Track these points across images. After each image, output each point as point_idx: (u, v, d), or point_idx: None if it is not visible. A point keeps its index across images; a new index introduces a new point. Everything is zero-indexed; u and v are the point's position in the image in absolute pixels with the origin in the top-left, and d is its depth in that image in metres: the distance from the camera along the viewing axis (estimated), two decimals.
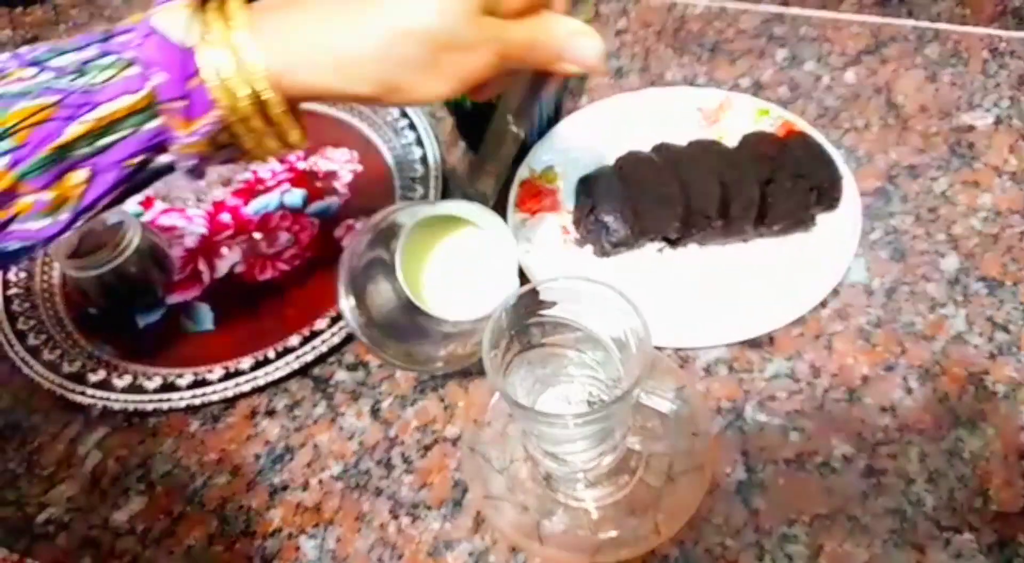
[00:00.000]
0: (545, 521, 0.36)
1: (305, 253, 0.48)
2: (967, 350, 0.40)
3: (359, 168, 0.52)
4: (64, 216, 0.26)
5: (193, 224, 0.51)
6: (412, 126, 0.52)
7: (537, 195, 0.48)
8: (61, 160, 0.25)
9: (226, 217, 0.51)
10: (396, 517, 0.38)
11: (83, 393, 0.42)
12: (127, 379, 0.43)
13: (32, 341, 0.45)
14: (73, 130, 0.25)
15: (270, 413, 0.42)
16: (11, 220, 0.25)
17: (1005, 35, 0.54)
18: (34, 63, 0.25)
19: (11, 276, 0.49)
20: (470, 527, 0.37)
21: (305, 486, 0.39)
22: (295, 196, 0.52)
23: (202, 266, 0.49)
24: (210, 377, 0.42)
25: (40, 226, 0.26)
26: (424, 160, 0.50)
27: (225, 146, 0.27)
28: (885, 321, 0.41)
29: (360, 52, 0.25)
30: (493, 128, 0.36)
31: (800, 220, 0.44)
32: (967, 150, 0.48)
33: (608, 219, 0.44)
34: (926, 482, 0.36)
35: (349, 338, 0.44)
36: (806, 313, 0.41)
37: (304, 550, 0.37)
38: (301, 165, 0.53)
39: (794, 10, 0.58)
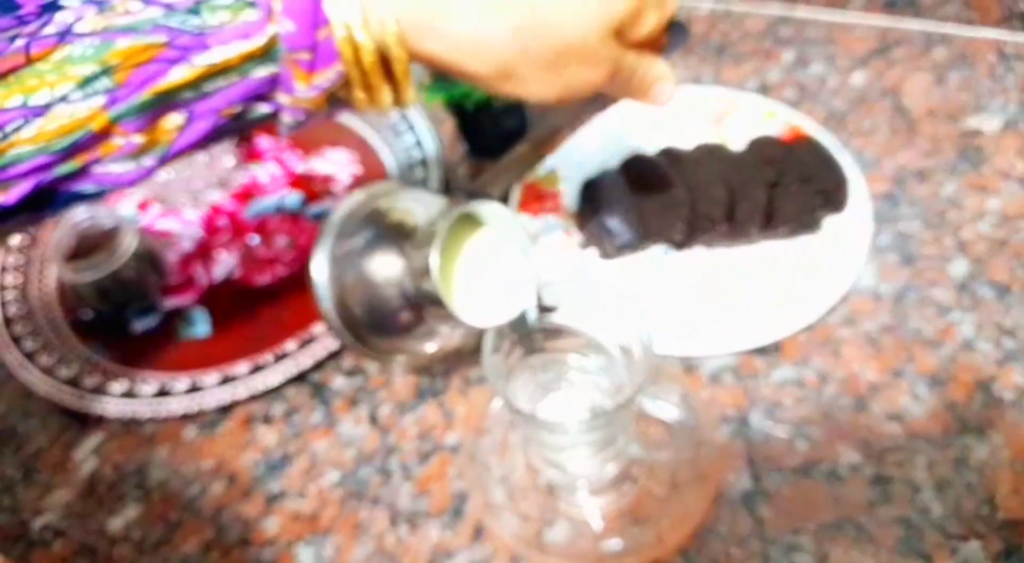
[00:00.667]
0: (546, 530, 0.36)
1: (303, 257, 0.48)
2: (975, 357, 0.39)
3: (358, 170, 0.52)
4: (149, 162, 0.24)
5: (190, 228, 0.50)
6: (412, 128, 0.52)
7: (540, 198, 0.47)
8: (160, 104, 0.23)
9: (223, 221, 0.51)
10: (395, 526, 0.37)
11: (79, 398, 0.42)
12: (123, 384, 0.43)
13: (28, 346, 0.45)
14: (179, 73, 0.23)
15: (267, 420, 0.42)
16: (95, 162, 0.23)
17: (1012, 38, 0.53)
18: None
19: (8, 280, 0.49)
20: (470, 536, 0.36)
21: (302, 494, 0.39)
22: (294, 199, 0.51)
23: (199, 270, 0.48)
24: (207, 383, 0.42)
25: (122, 170, 0.24)
26: (424, 162, 0.50)
27: (336, 100, 0.25)
28: (893, 327, 0.41)
29: (494, 36, 0.24)
30: (532, 138, 0.36)
31: (806, 223, 0.44)
32: (975, 154, 0.48)
33: (613, 222, 0.43)
34: (933, 490, 0.35)
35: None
36: (813, 319, 0.41)
37: (301, 559, 0.37)
38: (299, 168, 0.53)
39: (801, 12, 0.57)
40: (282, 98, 0.25)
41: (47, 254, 0.45)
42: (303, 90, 0.24)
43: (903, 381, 0.39)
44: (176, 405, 0.41)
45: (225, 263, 0.48)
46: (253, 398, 0.42)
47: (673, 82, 0.29)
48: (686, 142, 0.46)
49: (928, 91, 0.51)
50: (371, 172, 0.52)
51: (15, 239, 0.50)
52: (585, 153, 0.48)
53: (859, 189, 0.45)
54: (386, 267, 0.32)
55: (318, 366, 0.43)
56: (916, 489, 0.35)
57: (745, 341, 0.40)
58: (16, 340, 0.45)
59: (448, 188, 0.50)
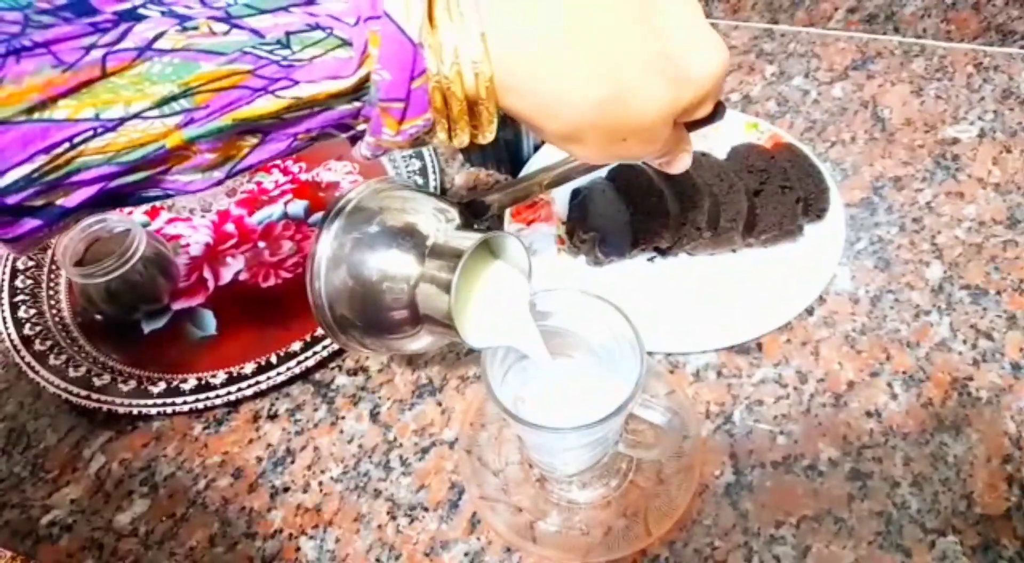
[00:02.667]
0: (539, 522, 0.37)
1: (307, 260, 0.50)
2: (951, 357, 0.41)
3: (360, 180, 0.54)
4: (218, 174, 0.24)
5: (198, 233, 0.52)
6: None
7: (532, 206, 0.49)
8: (238, 128, 0.22)
9: (230, 226, 0.52)
10: (394, 518, 0.38)
11: (88, 397, 0.43)
12: (132, 384, 0.44)
13: (38, 346, 0.46)
14: (262, 104, 0.22)
15: (272, 417, 0.43)
16: (163, 173, 0.23)
17: (989, 50, 0.55)
18: (228, 18, 0.22)
19: (18, 282, 0.50)
20: (466, 528, 0.38)
21: (306, 488, 0.40)
22: (298, 206, 0.53)
23: (207, 273, 0.50)
24: (213, 381, 0.43)
25: (189, 180, 0.23)
26: (423, 172, 0.52)
27: (417, 140, 0.25)
28: (870, 328, 0.42)
29: (579, 105, 0.24)
30: (547, 175, 0.36)
31: (788, 231, 0.45)
32: (951, 162, 0.49)
33: (601, 230, 0.45)
34: (911, 485, 0.37)
35: (364, 353, 0.44)
36: (793, 320, 0.42)
37: (304, 550, 0.38)
38: (304, 176, 0.55)
39: (783, 27, 0.59)
40: (368, 138, 0.25)
41: (58, 257, 0.46)
42: (390, 135, 0.24)
43: (880, 380, 0.40)
44: (183, 403, 0.42)
45: (232, 267, 0.50)
46: (258, 396, 0.43)
47: (691, 154, 0.31)
48: None
49: (906, 102, 0.53)
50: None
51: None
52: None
53: (838, 196, 0.46)
54: (391, 266, 0.31)
55: (321, 365, 0.44)
56: (894, 484, 0.37)
57: (728, 339, 0.42)
58: (27, 341, 0.46)
59: (444, 195, 0.51)
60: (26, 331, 0.47)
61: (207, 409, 0.43)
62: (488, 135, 0.25)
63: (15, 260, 0.51)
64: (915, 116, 0.52)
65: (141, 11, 0.21)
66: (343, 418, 0.43)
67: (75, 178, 0.21)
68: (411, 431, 0.42)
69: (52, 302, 0.49)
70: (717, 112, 0.29)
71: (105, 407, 0.43)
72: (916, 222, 0.47)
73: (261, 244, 0.51)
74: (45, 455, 0.43)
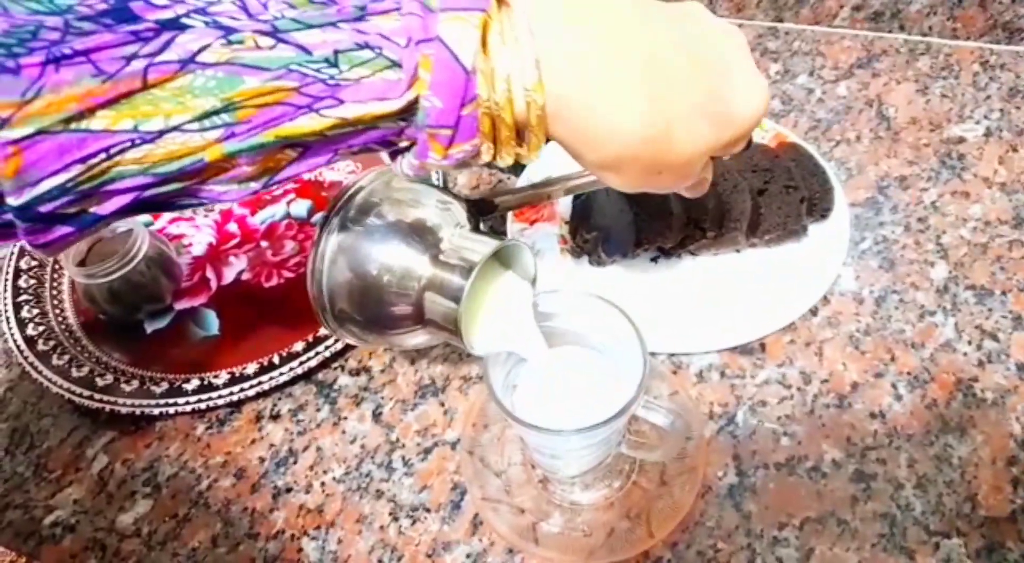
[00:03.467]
0: (541, 523, 0.37)
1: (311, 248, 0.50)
2: (956, 357, 0.41)
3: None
4: (255, 185, 0.23)
5: (201, 233, 0.52)
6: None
7: (534, 206, 0.49)
8: (279, 144, 0.22)
9: (233, 226, 0.52)
10: (396, 519, 0.38)
11: (91, 397, 0.43)
12: (134, 384, 0.44)
13: (41, 347, 0.46)
14: (306, 122, 0.21)
15: (274, 417, 0.43)
16: (200, 183, 0.22)
17: (996, 48, 0.55)
18: (274, 32, 0.21)
19: (21, 283, 0.50)
20: (468, 529, 0.38)
21: (308, 488, 0.40)
22: (300, 206, 0.53)
23: (210, 273, 0.50)
24: (216, 382, 0.43)
25: (225, 190, 0.23)
26: None
27: (462, 163, 0.25)
28: (875, 329, 0.42)
29: (624, 141, 0.24)
30: (563, 183, 0.36)
31: (792, 231, 0.45)
32: (957, 161, 0.49)
33: (605, 230, 0.45)
34: (915, 487, 0.36)
35: (352, 344, 0.45)
36: (797, 321, 0.42)
37: (306, 551, 0.38)
38: (307, 176, 0.54)
39: (787, 25, 0.59)
40: (412, 160, 0.24)
41: (61, 258, 0.46)
42: (437, 159, 0.23)
43: (885, 381, 0.40)
44: (186, 404, 0.42)
45: (235, 267, 0.50)
46: (261, 396, 0.43)
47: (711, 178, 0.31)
48: None
49: (912, 101, 0.53)
50: None
51: None
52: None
53: (842, 196, 0.46)
54: (400, 264, 0.30)
55: (324, 365, 0.44)
56: (898, 486, 0.36)
57: (731, 339, 0.41)
58: (30, 341, 0.47)
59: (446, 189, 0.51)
60: (29, 331, 0.47)
61: (210, 409, 0.43)
62: (534, 158, 0.25)
63: (18, 260, 0.51)
64: (920, 115, 0.52)
65: (184, 21, 0.20)
66: (345, 418, 0.43)
67: (110, 187, 0.21)
68: (413, 432, 0.42)
69: (55, 302, 0.49)
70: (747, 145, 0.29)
71: (108, 407, 0.43)
72: (921, 222, 0.46)
73: (264, 244, 0.51)
74: (48, 455, 0.44)
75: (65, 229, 0.21)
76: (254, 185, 0.23)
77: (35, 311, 0.49)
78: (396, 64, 0.21)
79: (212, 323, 0.48)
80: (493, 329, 0.32)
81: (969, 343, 0.41)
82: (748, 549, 0.35)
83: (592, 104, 0.23)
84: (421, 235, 0.31)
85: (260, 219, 0.52)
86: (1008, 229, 0.45)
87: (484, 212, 0.35)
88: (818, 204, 0.45)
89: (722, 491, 0.37)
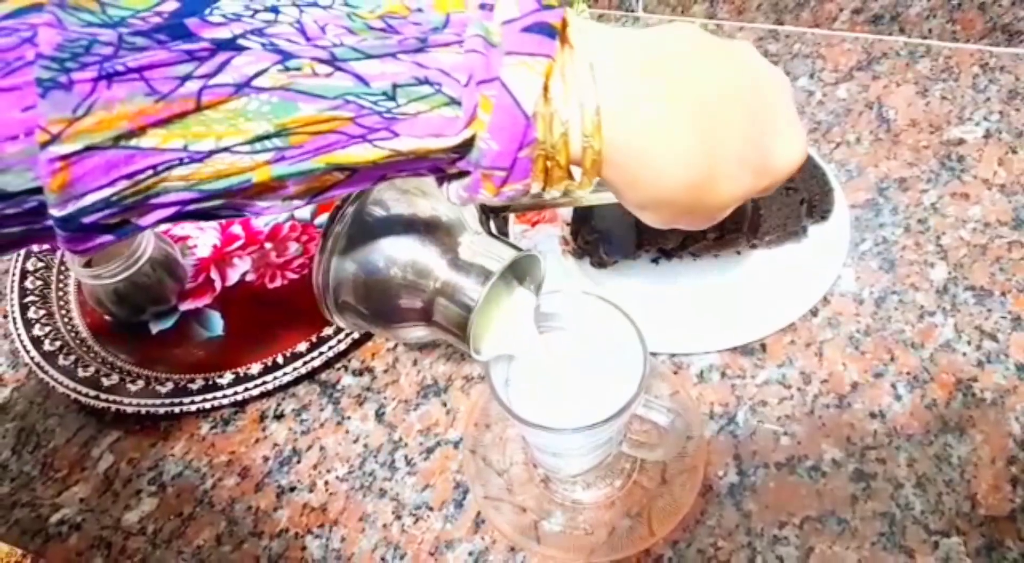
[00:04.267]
0: (543, 521, 0.37)
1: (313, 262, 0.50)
2: (955, 358, 0.41)
3: None
4: (298, 202, 0.23)
5: (206, 235, 0.52)
6: None
7: (543, 209, 0.49)
8: (329, 170, 0.22)
9: (237, 228, 0.53)
10: (399, 518, 0.39)
11: (97, 397, 0.44)
12: (140, 384, 0.44)
13: (47, 347, 0.47)
14: (358, 152, 0.21)
15: (278, 417, 0.44)
16: (243, 200, 0.22)
17: (995, 51, 0.55)
18: (332, 60, 0.20)
19: (28, 284, 0.51)
20: (470, 527, 0.38)
21: (311, 487, 0.40)
22: (304, 208, 0.53)
23: (214, 275, 0.50)
24: (220, 382, 0.44)
25: (268, 205, 0.23)
26: None
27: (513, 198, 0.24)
28: (875, 329, 0.42)
29: (670, 188, 0.24)
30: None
31: (792, 232, 0.45)
32: (956, 163, 0.49)
33: (605, 231, 0.45)
34: (914, 487, 0.37)
35: (355, 344, 0.45)
36: (797, 321, 0.42)
37: (310, 550, 0.38)
38: None
39: (788, 27, 0.59)
40: (462, 192, 0.24)
41: (67, 259, 0.47)
42: (488, 197, 0.23)
43: (884, 381, 0.40)
44: (191, 403, 0.43)
45: (239, 268, 0.50)
46: (265, 396, 0.44)
47: None
48: None
49: (911, 103, 0.53)
50: None
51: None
52: None
53: (842, 197, 0.46)
54: (413, 258, 0.30)
55: (327, 366, 0.44)
56: (898, 486, 0.37)
57: (731, 340, 0.42)
58: (36, 342, 0.47)
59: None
60: (35, 332, 0.48)
61: (214, 409, 0.43)
62: (586, 190, 0.25)
63: (24, 261, 0.51)
64: (920, 117, 0.52)
65: (241, 42, 0.20)
66: (349, 418, 0.43)
67: (154, 201, 0.20)
68: (416, 431, 0.42)
69: (61, 303, 0.50)
70: None
71: (113, 407, 0.43)
72: (921, 223, 0.47)
73: (268, 246, 0.51)
74: (54, 454, 0.44)
75: (105, 238, 0.21)
76: (298, 203, 0.23)
77: (41, 312, 0.49)
78: (455, 102, 0.21)
79: (216, 324, 0.48)
80: (497, 335, 0.33)
81: (968, 343, 0.41)
82: (748, 547, 0.36)
83: (645, 150, 0.23)
84: (438, 235, 0.31)
85: (264, 221, 0.53)
86: (1007, 230, 0.46)
87: (491, 210, 0.35)
88: (818, 206, 0.45)
89: (723, 490, 0.37)
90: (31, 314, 0.49)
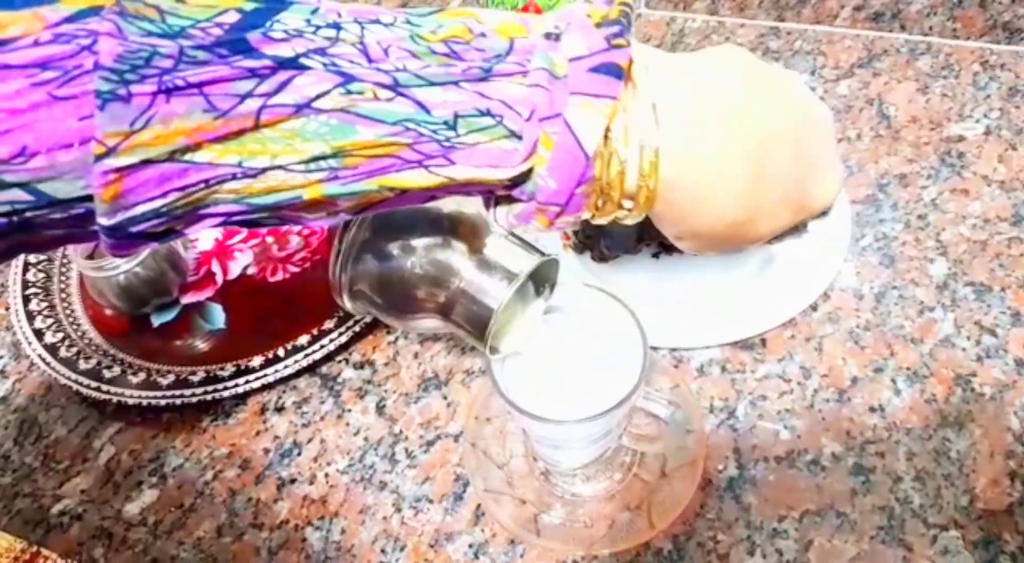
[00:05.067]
0: (543, 514, 0.37)
1: (314, 256, 0.50)
2: (955, 353, 0.41)
3: None
4: (344, 217, 0.23)
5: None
6: None
7: None
8: (381, 191, 0.21)
9: None
10: (399, 510, 0.39)
11: (98, 389, 0.44)
12: (141, 376, 0.45)
13: (49, 339, 0.47)
14: (413, 177, 0.21)
15: (279, 409, 0.44)
16: (296, 213, 0.22)
17: (996, 48, 0.55)
18: (395, 86, 0.20)
19: (30, 276, 0.51)
20: (470, 520, 0.38)
21: (312, 480, 0.41)
22: None
23: (215, 268, 0.50)
24: (222, 374, 0.44)
25: (312, 217, 0.23)
26: None
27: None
28: (874, 324, 0.43)
29: (712, 227, 0.24)
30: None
31: (793, 227, 0.45)
32: (957, 159, 0.49)
33: (606, 226, 0.45)
34: (913, 481, 0.37)
35: (356, 337, 0.45)
36: (797, 316, 0.42)
37: (310, 541, 0.38)
38: None
39: (789, 24, 0.59)
40: (512, 220, 0.24)
41: (69, 251, 0.47)
42: (540, 227, 0.23)
43: (884, 376, 0.40)
44: (192, 395, 0.43)
45: (241, 261, 0.51)
46: (266, 389, 0.44)
47: None
48: None
49: (912, 100, 0.53)
50: None
51: None
52: None
53: (843, 193, 0.47)
54: (437, 255, 0.30)
55: (328, 359, 0.45)
56: (897, 480, 0.37)
57: (731, 335, 0.42)
58: (38, 333, 0.47)
59: None
60: (38, 324, 0.48)
61: (215, 401, 0.43)
62: (634, 220, 0.25)
63: (27, 254, 0.51)
64: (921, 114, 0.52)
65: (303, 61, 0.19)
66: (349, 411, 0.43)
67: (202, 212, 0.20)
68: (416, 424, 0.42)
69: (63, 295, 0.50)
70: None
71: (115, 399, 0.43)
72: (921, 219, 0.47)
73: (269, 239, 0.52)
74: (56, 446, 0.44)
75: (149, 244, 0.21)
76: (344, 216, 0.23)
77: (43, 304, 0.49)
78: (516, 136, 0.21)
79: (218, 317, 0.48)
80: (511, 335, 0.33)
81: (968, 339, 0.41)
82: (748, 541, 0.36)
83: (697, 188, 0.23)
84: (463, 234, 0.31)
85: None
86: (1007, 226, 0.46)
87: (499, 202, 0.35)
88: None
89: (722, 484, 0.38)
90: (33, 306, 0.49)
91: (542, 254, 0.32)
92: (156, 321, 0.48)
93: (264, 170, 0.20)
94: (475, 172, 0.21)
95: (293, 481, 0.41)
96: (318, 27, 0.20)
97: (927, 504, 0.36)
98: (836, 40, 0.58)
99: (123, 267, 0.45)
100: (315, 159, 0.20)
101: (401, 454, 0.41)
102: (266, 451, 0.42)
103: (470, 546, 0.37)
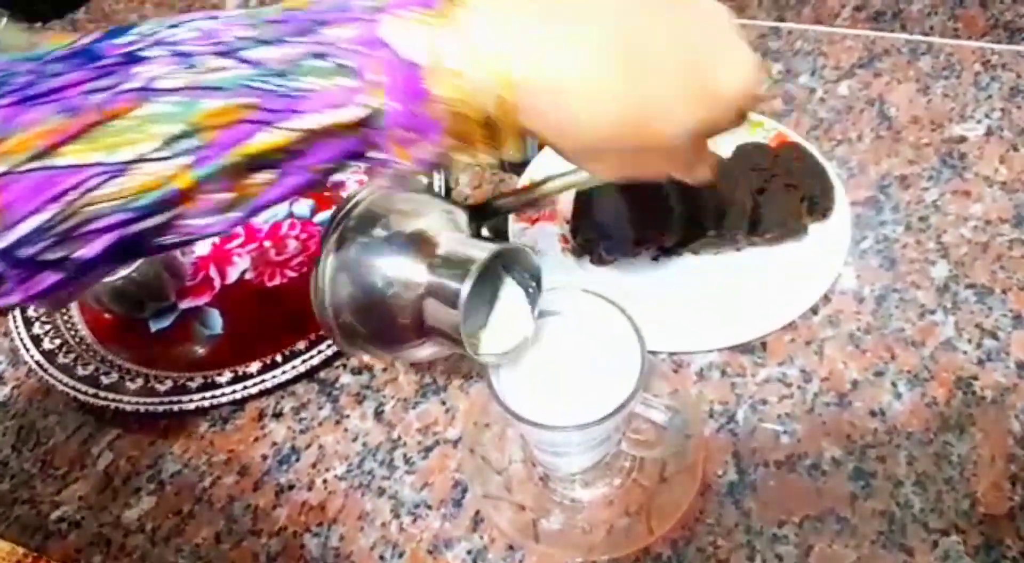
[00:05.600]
0: (542, 520, 0.37)
1: (312, 260, 0.50)
2: (956, 356, 0.41)
3: (365, 179, 0.54)
4: (237, 213, 0.23)
5: None
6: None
7: (537, 206, 0.49)
8: (248, 164, 0.22)
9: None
10: (398, 516, 0.39)
11: (96, 395, 0.44)
12: (139, 382, 0.44)
13: (47, 345, 0.47)
14: (268, 138, 0.21)
15: (277, 415, 0.44)
16: (179, 217, 0.22)
17: (997, 48, 0.55)
18: (229, 53, 0.21)
19: None
20: (469, 526, 0.38)
21: (310, 486, 0.40)
22: (303, 206, 0.53)
23: (213, 273, 0.50)
24: (219, 380, 0.43)
25: (207, 222, 0.23)
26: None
27: (436, 164, 0.24)
28: (875, 327, 0.42)
29: (598, 127, 0.23)
30: (565, 182, 0.36)
31: (793, 230, 0.45)
32: (958, 160, 0.49)
33: (605, 229, 0.45)
34: (914, 485, 0.37)
35: (367, 359, 0.45)
36: (797, 319, 0.42)
37: (308, 548, 0.38)
38: None
39: (789, 24, 0.59)
40: (379, 167, 0.24)
41: None
42: (404, 164, 0.23)
43: (885, 379, 0.40)
44: (190, 402, 0.43)
45: (238, 266, 0.50)
46: (264, 394, 0.44)
47: (715, 166, 0.30)
48: None
49: (913, 100, 0.53)
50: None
51: None
52: None
53: (843, 195, 0.46)
54: (398, 274, 0.31)
55: (326, 364, 0.44)
56: (897, 484, 0.37)
57: (731, 339, 0.42)
58: (36, 340, 0.47)
59: (448, 197, 0.51)
60: (35, 330, 0.48)
61: (213, 407, 0.43)
62: (514, 154, 0.24)
63: None
64: (922, 114, 0.52)
65: (145, 53, 0.21)
66: (347, 416, 0.43)
67: (89, 227, 0.21)
68: (415, 430, 0.42)
69: None
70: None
71: (113, 405, 0.43)
72: (922, 221, 0.46)
73: (267, 243, 0.51)
74: (54, 452, 0.44)
75: (53, 276, 0.21)
76: (236, 214, 0.23)
77: (41, 310, 0.49)
78: (350, 69, 0.21)
79: (216, 322, 0.48)
80: (495, 334, 0.33)
81: (969, 342, 0.41)
82: (748, 546, 0.36)
83: (562, 90, 0.23)
84: (419, 244, 0.31)
85: (263, 218, 0.53)
86: (1009, 228, 0.46)
87: (486, 217, 0.35)
88: (819, 203, 0.45)
89: (722, 488, 0.37)
90: (31, 312, 0.49)
91: (504, 243, 0.31)
92: (154, 326, 0.48)
93: (129, 164, 0.20)
94: (323, 117, 0.22)
95: (291, 487, 0.40)
96: (164, 27, 0.22)
97: (928, 509, 0.36)
98: (837, 40, 0.57)
99: (120, 272, 0.45)
100: (173, 139, 0.21)
101: (400, 460, 0.41)
102: (264, 457, 0.42)
103: (469, 552, 0.37)
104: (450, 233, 0.32)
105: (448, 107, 0.22)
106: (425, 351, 0.33)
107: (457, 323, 0.30)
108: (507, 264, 0.33)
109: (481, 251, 0.30)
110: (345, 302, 0.32)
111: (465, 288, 0.29)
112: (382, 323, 0.32)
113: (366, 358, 0.36)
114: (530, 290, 0.33)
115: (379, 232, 0.31)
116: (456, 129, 0.23)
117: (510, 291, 0.33)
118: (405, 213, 0.32)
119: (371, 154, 0.24)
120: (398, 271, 0.31)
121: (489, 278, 0.33)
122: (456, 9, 0.22)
